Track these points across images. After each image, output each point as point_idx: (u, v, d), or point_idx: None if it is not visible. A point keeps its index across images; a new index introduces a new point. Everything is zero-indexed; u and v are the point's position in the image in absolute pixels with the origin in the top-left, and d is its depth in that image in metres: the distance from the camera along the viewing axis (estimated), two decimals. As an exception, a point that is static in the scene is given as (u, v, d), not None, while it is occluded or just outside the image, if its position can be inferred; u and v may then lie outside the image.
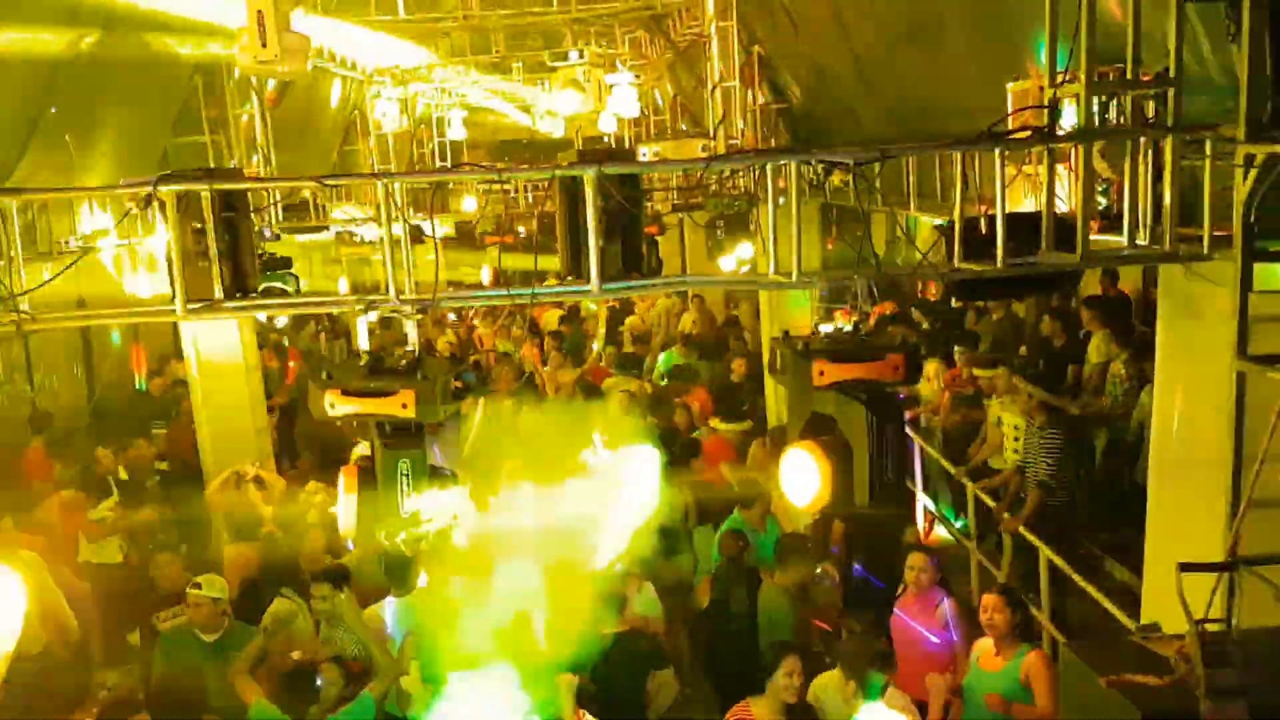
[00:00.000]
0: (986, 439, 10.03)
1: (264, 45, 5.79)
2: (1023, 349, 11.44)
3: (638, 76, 15.25)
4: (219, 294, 4.42)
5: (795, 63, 11.88)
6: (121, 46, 9.37)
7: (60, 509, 9.21)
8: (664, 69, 16.60)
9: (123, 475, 10.53)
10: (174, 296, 4.35)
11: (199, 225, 4.32)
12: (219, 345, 11.90)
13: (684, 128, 16.11)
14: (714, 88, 8.43)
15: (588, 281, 4.53)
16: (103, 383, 13.79)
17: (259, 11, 5.77)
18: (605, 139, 18.19)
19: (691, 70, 13.94)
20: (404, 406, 4.04)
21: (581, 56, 11.55)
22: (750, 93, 11.45)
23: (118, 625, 8.28)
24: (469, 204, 16.23)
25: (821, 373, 4.21)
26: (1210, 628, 3.12)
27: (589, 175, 4.43)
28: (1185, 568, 3.38)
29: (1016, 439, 9.54)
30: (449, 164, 19.09)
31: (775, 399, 11.83)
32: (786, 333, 4.56)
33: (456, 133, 17.64)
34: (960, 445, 10.44)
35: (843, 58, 10.38)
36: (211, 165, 10.87)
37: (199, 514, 11.14)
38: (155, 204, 4.24)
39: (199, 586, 6.75)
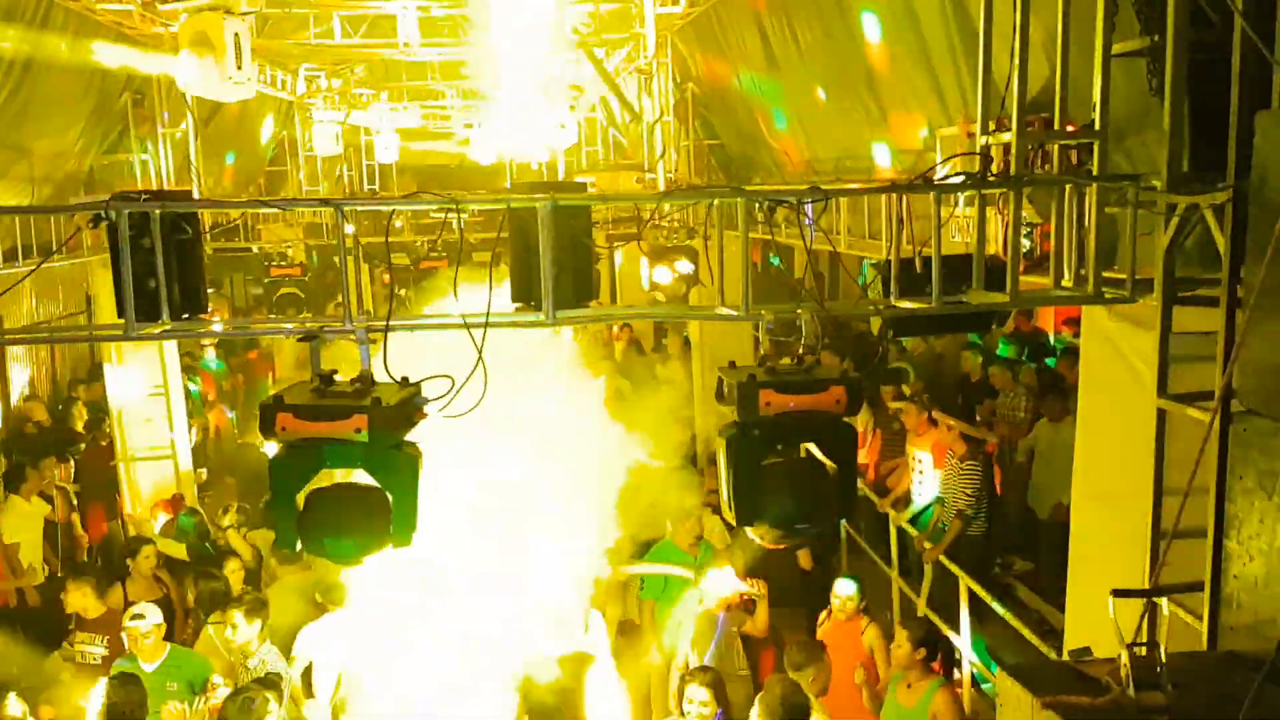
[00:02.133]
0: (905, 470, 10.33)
1: (239, 67, 5.77)
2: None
3: (571, 108, 15.40)
4: (167, 315, 4.39)
5: (728, 101, 12.13)
6: (51, 61, 9.20)
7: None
8: (596, 102, 16.76)
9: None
10: (123, 317, 4.31)
11: (149, 245, 4.30)
12: (141, 369, 11.74)
13: (615, 160, 16.29)
14: (655, 122, 8.59)
15: (540, 310, 4.61)
16: (13, 411, 13.41)
17: (235, 34, 5.76)
18: (537, 167, 18.31)
19: (624, 103, 14.11)
20: (357, 430, 4.04)
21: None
22: (684, 129, 11.68)
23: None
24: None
25: (768, 403, 4.33)
26: (1138, 651, 3.28)
27: (543, 206, 4.51)
28: (1118, 594, 3.56)
29: (922, 471, 9.88)
30: (377, 187, 19.08)
31: (705, 428, 11.98)
32: (733, 363, 4.67)
33: (389, 156, 17.60)
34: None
35: (774, 99, 10.65)
36: (140, 185, 10.73)
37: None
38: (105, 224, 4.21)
39: (141, 617, 6.69)
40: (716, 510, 9.21)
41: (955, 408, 10.30)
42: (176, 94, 10.19)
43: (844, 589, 7.57)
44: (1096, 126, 4.83)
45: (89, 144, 10.94)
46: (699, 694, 6.15)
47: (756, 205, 4.70)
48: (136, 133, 10.97)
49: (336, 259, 16.00)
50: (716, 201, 5.45)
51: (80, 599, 7.61)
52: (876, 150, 8.96)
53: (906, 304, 4.95)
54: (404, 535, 4.26)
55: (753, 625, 7.61)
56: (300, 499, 4.15)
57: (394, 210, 4.54)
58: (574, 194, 4.69)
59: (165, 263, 4.38)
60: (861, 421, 11.08)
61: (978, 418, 10.99)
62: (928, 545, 9.49)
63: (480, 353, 4.29)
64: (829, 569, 9.12)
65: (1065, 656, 4.50)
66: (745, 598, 7.62)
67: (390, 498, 4.20)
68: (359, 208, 4.53)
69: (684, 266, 8.46)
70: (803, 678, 6.17)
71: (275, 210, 10.49)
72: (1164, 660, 3.23)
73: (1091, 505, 5.45)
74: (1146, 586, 4.21)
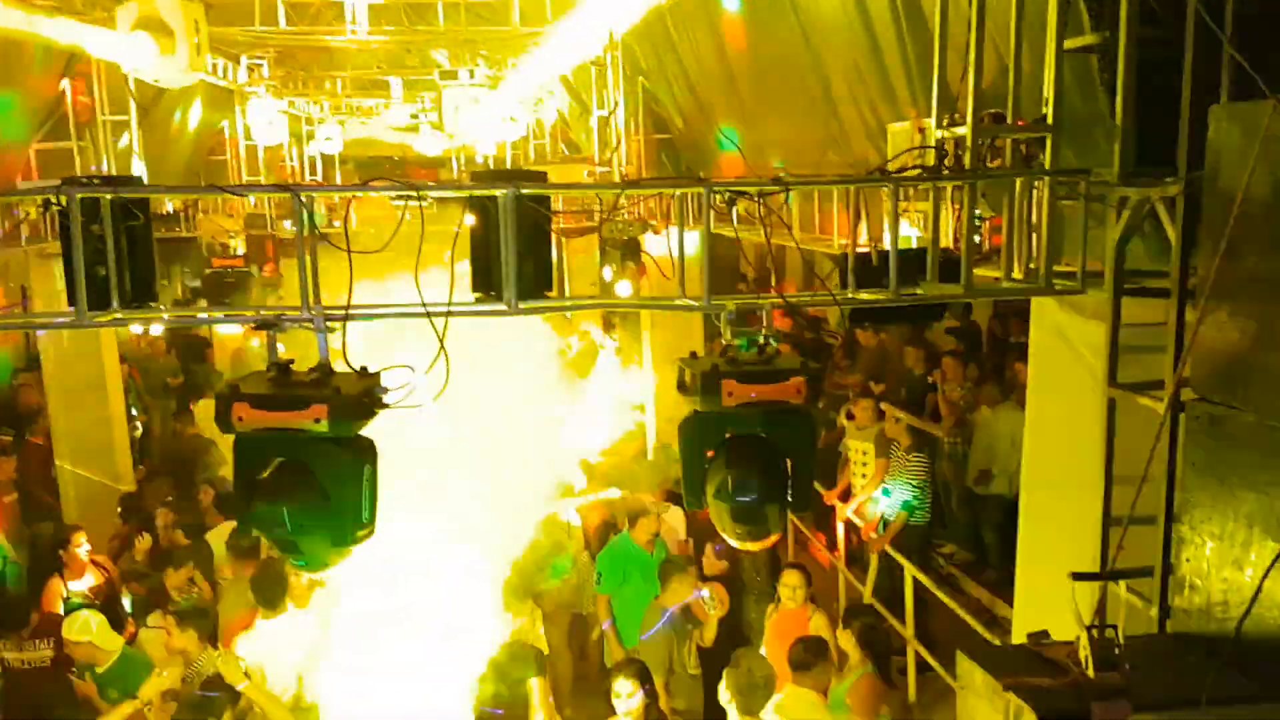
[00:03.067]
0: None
1: (198, 53, 5.64)
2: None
3: (520, 101, 15.34)
4: (116, 303, 4.30)
5: (678, 96, 12.15)
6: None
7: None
8: (545, 93, 16.72)
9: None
10: (74, 304, 4.21)
11: (99, 232, 4.21)
12: (78, 359, 11.48)
13: (565, 151, 16.26)
14: (609, 114, 8.57)
15: (502, 299, 4.59)
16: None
17: (195, 20, 5.64)
18: (484, 160, 18.22)
19: (575, 96, 14.09)
20: (317, 420, 3.99)
21: (472, 77, 11.57)
22: (633, 122, 11.68)
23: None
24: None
25: (730, 393, 4.35)
26: (1095, 634, 3.35)
27: (506, 195, 4.49)
28: (1077, 577, 3.63)
29: (865, 464, 10.02)
30: (319, 177, 18.82)
31: (661, 419, 12.03)
32: (694, 353, 4.69)
33: (332, 147, 17.40)
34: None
35: (726, 94, 10.69)
36: (78, 172, 10.47)
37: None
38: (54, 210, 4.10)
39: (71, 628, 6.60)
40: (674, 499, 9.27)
41: (900, 401, 10.45)
42: (117, 80, 9.97)
43: (793, 578, 7.65)
44: (1049, 121, 4.91)
45: (27, 131, 10.66)
46: (624, 686, 6.20)
47: (717, 195, 4.72)
48: (76, 120, 10.71)
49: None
50: (676, 193, 5.44)
51: None
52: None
53: (865, 295, 5.01)
54: (363, 529, 4.21)
55: (700, 637, 7.62)
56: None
57: (353, 198, 4.49)
58: (537, 184, 4.66)
59: (116, 250, 4.30)
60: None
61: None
62: (872, 536, 9.62)
63: (442, 343, 4.25)
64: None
65: (1019, 640, 4.58)
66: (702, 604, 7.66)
67: (347, 491, 4.15)
68: (317, 193, 4.46)
69: (623, 287, 8.50)
70: (807, 678, 6.21)
71: (219, 197, 10.30)
72: (1121, 642, 3.30)
73: (1041, 494, 5.55)
74: (1099, 571, 4.30)
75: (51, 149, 10.88)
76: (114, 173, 10.44)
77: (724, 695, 5.99)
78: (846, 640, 6.70)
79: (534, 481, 6.94)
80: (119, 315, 4.35)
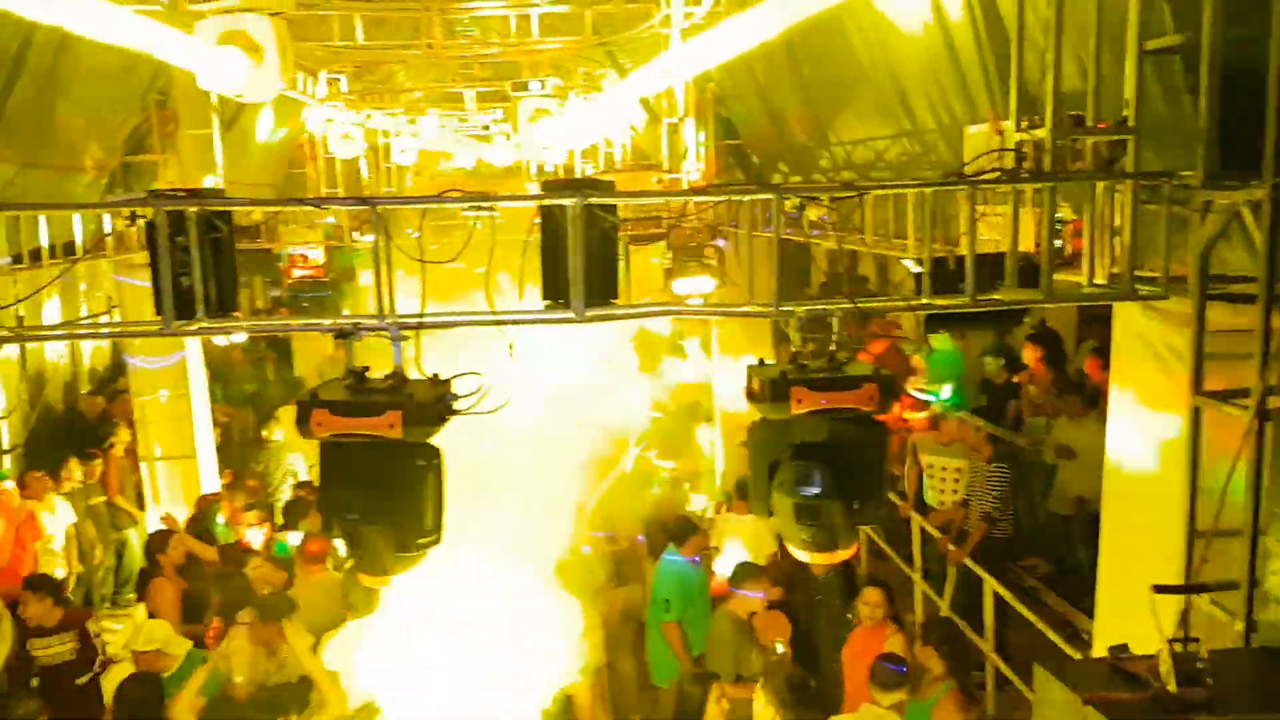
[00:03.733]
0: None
1: (282, 68, 5.78)
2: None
3: (590, 104, 15.41)
4: (201, 312, 4.42)
5: (748, 103, 12.12)
6: (78, 61, 9.26)
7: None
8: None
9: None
10: (160, 313, 4.34)
11: (184, 243, 4.32)
12: (163, 367, 11.81)
13: (633, 161, 16.31)
14: (678, 121, 8.59)
15: (570, 307, 4.61)
16: (41, 404, 13.48)
17: (279, 36, 5.80)
18: (552, 169, 18.33)
19: (644, 104, 14.12)
20: (391, 426, 4.06)
21: (544, 87, 11.68)
22: (703, 130, 11.68)
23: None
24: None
25: (800, 400, 4.32)
26: (1177, 648, 3.26)
27: (574, 204, 4.52)
28: (1159, 590, 3.54)
29: (958, 479, 9.82)
30: (394, 190, 19.13)
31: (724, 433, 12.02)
32: (762, 360, 4.67)
33: (407, 159, 17.68)
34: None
35: (796, 99, 10.63)
36: (159, 185, 10.79)
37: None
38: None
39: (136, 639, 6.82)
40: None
41: (979, 410, 10.27)
42: (199, 95, 10.23)
43: (873, 596, 7.54)
44: (1130, 123, 4.80)
45: (114, 145, 11.02)
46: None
47: (787, 201, 4.69)
48: (160, 133, 11.03)
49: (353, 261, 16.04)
50: (745, 200, 5.42)
51: (39, 609, 7.63)
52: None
53: (941, 301, 4.93)
54: (427, 536, 4.28)
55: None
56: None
57: (425, 210, 4.56)
58: (603, 193, 4.69)
59: (200, 260, 4.41)
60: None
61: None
62: (951, 548, 9.45)
63: (511, 351, 4.31)
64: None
65: (1101, 654, 4.47)
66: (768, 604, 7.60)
67: (413, 497, 4.22)
68: (393, 206, 4.55)
69: (705, 283, 8.48)
70: (885, 698, 6.14)
71: (307, 208, 10.55)
72: (1204, 656, 3.21)
73: (1122, 504, 5.41)
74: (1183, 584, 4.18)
75: (137, 162, 11.23)
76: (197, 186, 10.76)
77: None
78: (927, 655, 6.58)
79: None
80: (203, 324, 4.47)
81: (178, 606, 8.67)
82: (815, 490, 4.31)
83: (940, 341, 10.72)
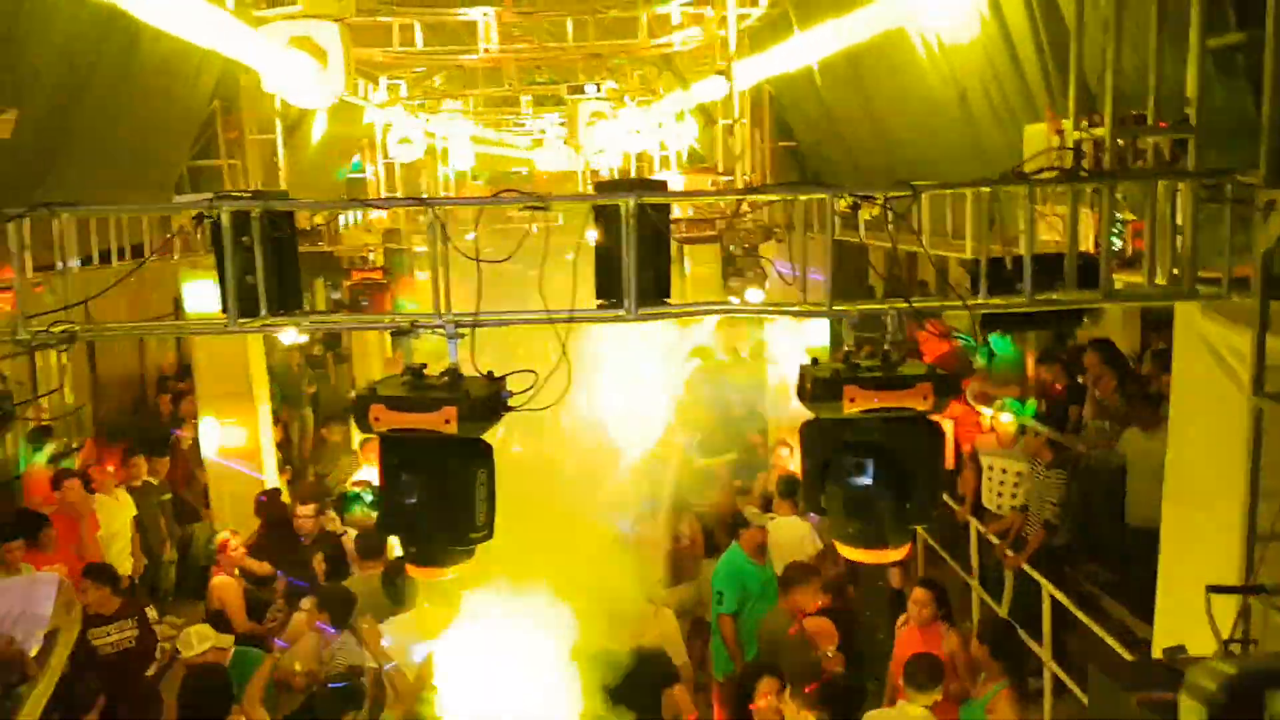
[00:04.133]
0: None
1: (345, 74, 5.91)
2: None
3: (646, 112, 15.48)
4: (265, 310, 4.53)
5: (804, 104, 12.09)
6: (145, 66, 9.50)
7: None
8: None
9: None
10: (225, 310, 4.46)
11: (248, 243, 4.44)
12: (226, 368, 12.08)
13: (689, 163, 16.34)
14: (732, 124, 8.61)
15: (622, 306, 4.66)
16: (106, 400, 13.85)
17: (338, 40, 5.94)
18: (610, 172, 18.44)
19: (700, 106, 14.15)
20: (446, 422, 4.13)
21: (599, 90, 11.77)
22: (759, 131, 11.67)
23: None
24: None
25: (852, 399, 4.32)
26: (1234, 649, 3.22)
27: (628, 204, 4.56)
28: (1213, 590, 3.49)
29: (1017, 484, 9.70)
30: (452, 193, 19.36)
31: (776, 428, 11.99)
32: (815, 359, 4.67)
33: (464, 162, 17.91)
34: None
35: (854, 99, 10.58)
36: (227, 188, 11.02)
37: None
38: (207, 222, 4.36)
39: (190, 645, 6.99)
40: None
41: (1038, 416, 10.13)
42: (263, 100, 10.45)
43: (921, 595, 7.52)
44: (1191, 121, 4.74)
45: (179, 150, 11.28)
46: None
47: (841, 202, 4.69)
48: (224, 138, 11.28)
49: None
50: (798, 201, 5.43)
51: (97, 596, 7.80)
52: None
53: (997, 301, 4.90)
54: (478, 531, 4.35)
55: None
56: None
57: (482, 210, 4.65)
58: (657, 193, 4.73)
59: (263, 259, 4.53)
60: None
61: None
62: (1009, 554, 9.35)
63: (564, 349, 4.36)
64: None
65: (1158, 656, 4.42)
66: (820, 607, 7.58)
67: (466, 492, 4.29)
68: (451, 205, 4.63)
69: (755, 292, 8.48)
70: (924, 697, 6.13)
71: (359, 211, 10.73)
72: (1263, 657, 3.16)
73: (1183, 507, 5.33)
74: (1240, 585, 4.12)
75: (202, 167, 11.48)
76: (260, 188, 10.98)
77: None
78: (983, 655, 6.55)
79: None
80: (267, 321, 4.58)
81: (241, 603, 8.86)
82: (867, 481, 4.29)
83: (1001, 344, 10.62)
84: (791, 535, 9.14)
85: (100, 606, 7.72)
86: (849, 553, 4.56)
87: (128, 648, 7.77)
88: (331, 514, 10.05)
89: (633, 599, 6.81)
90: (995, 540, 9.55)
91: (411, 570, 4.56)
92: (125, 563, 10.05)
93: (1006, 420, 9.50)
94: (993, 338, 11.53)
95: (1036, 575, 8.53)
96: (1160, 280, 5.01)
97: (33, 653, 3.22)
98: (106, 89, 8.96)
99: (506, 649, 5.82)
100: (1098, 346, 11.55)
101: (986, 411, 10.29)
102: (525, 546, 5.61)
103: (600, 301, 4.75)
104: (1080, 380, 10.93)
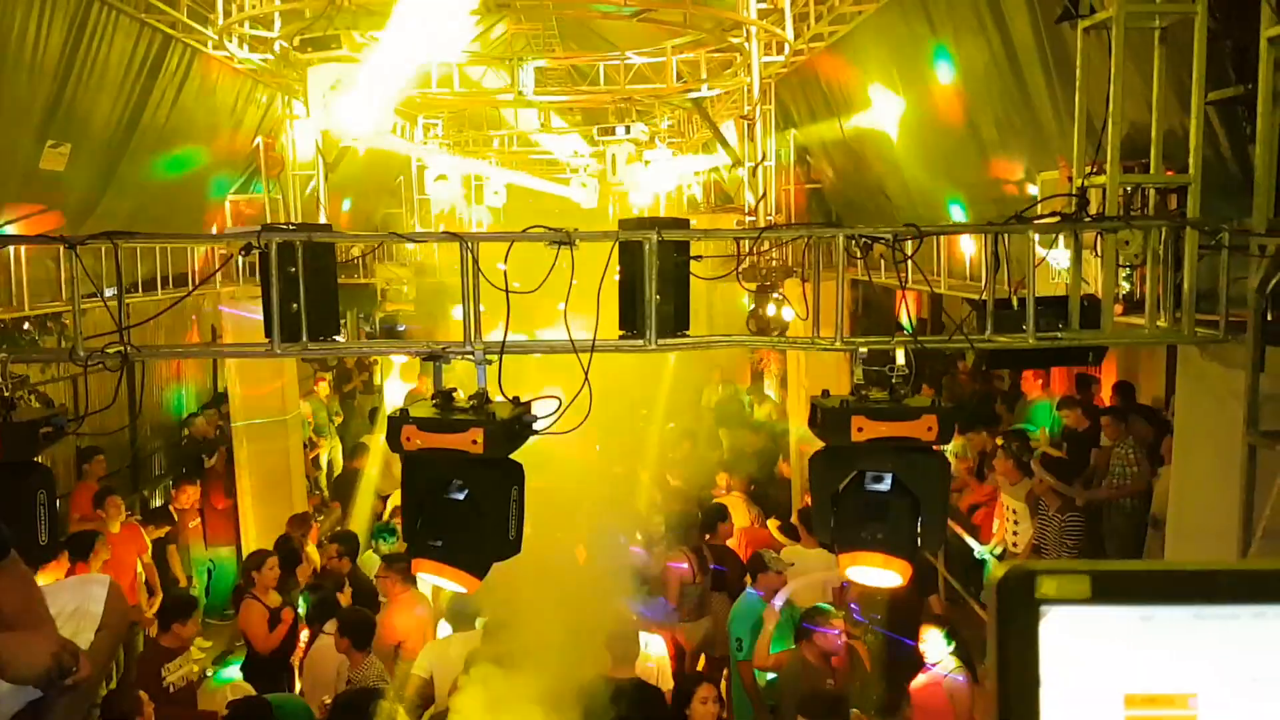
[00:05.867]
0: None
1: (384, 114, 6.23)
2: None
3: (675, 154, 15.82)
4: (305, 335, 4.80)
5: (829, 146, 12.36)
6: (192, 105, 9.92)
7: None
8: (699, 146, 17.18)
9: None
10: (268, 335, 4.72)
11: (292, 272, 4.72)
12: (261, 395, 12.40)
13: (717, 203, 16.65)
14: (755, 166, 8.88)
15: (643, 336, 4.90)
16: (147, 422, 14.18)
17: (378, 82, 6.28)
18: (638, 210, 18.75)
19: (728, 149, 14.45)
20: (474, 443, 4.36)
21: (628, 132, 12.09)
22: (785, 173, 11.93)
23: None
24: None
25: (860, 429, 4.52)
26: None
27: (650, 239, 4.81)
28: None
29: (1016, 520, 9.78)
30: (485, 229, 19.75)
31: (799, 466, 12.14)
32: (826, 391, 4.88)
33: (498, 200, 18.30)
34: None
35: (878, 143, 10.84)
36: (269, 220, 11.40)
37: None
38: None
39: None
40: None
41: (1054, 460, 10.19)
42: (305, 137, 10.84)
43: (929, 633, 7.49)
44: (1191, 171, 4.94)
45: (223, 184, 11.70)
46: None
47: (853, 241, 4.92)
48: (267, 174, 11.67)
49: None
50: (815, 240, 5.66)
51: (192, 630, 8.01)
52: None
53: (1001, 339, 5.10)
54: (508, 546, 4.56)
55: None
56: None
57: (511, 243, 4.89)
58: (677, 229, 4.98)
59: (305, 288, 4.80)
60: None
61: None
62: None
63: (586, 375, 4.59)
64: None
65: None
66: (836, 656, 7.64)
67: (497, 509, 4.50)
68: (482, 240, 4.90)
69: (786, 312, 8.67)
70: None
71: (398, 242, 11.06)
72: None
73: (1187, 544, 5.47)
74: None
75: (246, 200, 11.89)
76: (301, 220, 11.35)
77: None
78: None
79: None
80: (307, 346, 4.84)
81: (264, 628, 9.02)
82: (885, 487, 4.48)
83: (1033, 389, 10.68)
84: (814, 565, 9.23)
85: (178, 641, 7.72)
86: (862, 559, 4.66)
87: (191, 680, 7.92)
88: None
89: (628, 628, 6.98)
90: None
91: (436, 571, 4.66)
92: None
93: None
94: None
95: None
96: (1163, 323, 5.20)
97: (84, 648, 3.42)
98: (155, 126, 9.38)
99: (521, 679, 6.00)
100: (1120, 391, 11.66)
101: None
102: (539, 567, 5.81)
103: (622, 332, 4.99)
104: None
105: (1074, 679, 0.83)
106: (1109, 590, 0.82)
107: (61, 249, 5.00)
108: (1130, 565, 0.89)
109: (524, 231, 4.87)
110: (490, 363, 4.65)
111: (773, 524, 10.35)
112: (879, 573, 4.69)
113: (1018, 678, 0.83)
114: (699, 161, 14.70)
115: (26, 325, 9.16)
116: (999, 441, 10.73)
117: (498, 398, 4.62)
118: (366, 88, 6.50)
